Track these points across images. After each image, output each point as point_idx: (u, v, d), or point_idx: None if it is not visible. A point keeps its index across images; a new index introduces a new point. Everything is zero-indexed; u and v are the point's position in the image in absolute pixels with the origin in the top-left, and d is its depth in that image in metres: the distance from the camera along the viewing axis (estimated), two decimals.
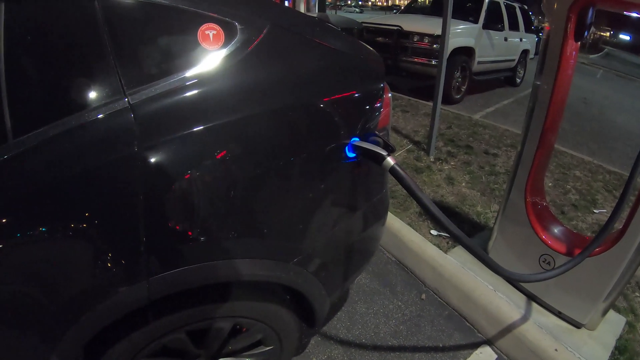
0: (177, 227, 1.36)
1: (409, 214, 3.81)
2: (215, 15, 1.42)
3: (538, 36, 13.11)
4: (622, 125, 9.76)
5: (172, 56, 1.36)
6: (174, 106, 1.32)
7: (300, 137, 1.63)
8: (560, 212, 4.22)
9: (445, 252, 3.28)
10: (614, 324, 2.74)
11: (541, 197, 2.83)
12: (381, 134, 1.91)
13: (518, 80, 12.32)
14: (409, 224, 3.62)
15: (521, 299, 2.84)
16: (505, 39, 10.36)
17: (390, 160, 1.67)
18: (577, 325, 2.63)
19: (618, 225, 2.30)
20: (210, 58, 1.40)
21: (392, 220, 3.62)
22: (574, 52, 2.34)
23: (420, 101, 8.12)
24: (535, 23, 13.69)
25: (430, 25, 8.10)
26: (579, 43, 2.33)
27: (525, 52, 12.06)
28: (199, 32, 1.38)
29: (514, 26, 10.87)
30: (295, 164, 1.60)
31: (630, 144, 7.82)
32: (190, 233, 1.39)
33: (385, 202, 2.25)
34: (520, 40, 11.45)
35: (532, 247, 2.75)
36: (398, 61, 8.51)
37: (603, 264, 2.38)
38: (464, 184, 4.59)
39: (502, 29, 10.04)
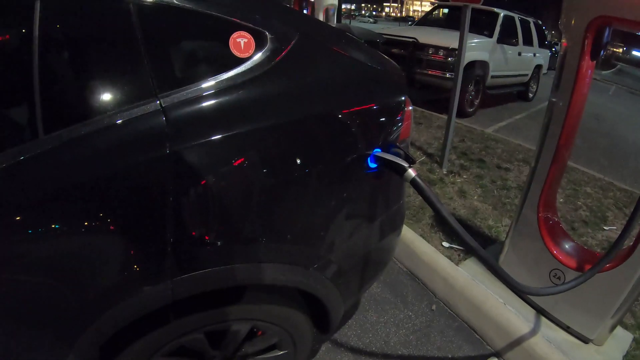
0: (203, 230, 1.39)
1: (421, 225, 3.85)
2: (247, 23, 1.45)
3: (551, 51, 13.02)
4: (634, 142, 9.71)
5: (204, 62, 1.41)
6: (204, 111, 1.35)
7: (324, 146, 1.66)
8: (570, 228, 4.23)
9: (457, 264, 3.30)
10: (621, 340, 2.75)
11: (553, 212, 2.84)
12: (402, 146, 1.94)
13: (531, 95, 12.26)
14: (422, 236, 3.66)
15: (530, 312, 2.86)
16: (519, 54, 10.35)
17: (411, 172, 1.71)
18: (585, 341, 2.64)
19: (628, 242, 2.31)
20: (240, 65, 1.44)
21: (405, 231, 3.65)
22: (589, 71, 2.35)
23: (434, 114, 8.14)
24: (549, 38, 13.63)
25: (445, 38, 8.15)
26: (595, 62, 2.35)
27: (538, 67, 11.99)
28: (231, 40, 1.41)
29: (527, 41, 10.85)
30: (318, 173, 1.63)
31: None
32: (215, 236, 1.42)
33: (402, 213, 2.27)
34: (534, 55, 11.41)
35: (543, 261, 2.76)
36: (413, 73, 8.50)
37: (612, 280, 2.39)
38: (476, 197, 4.61)
39: (516, 44, 10.02)
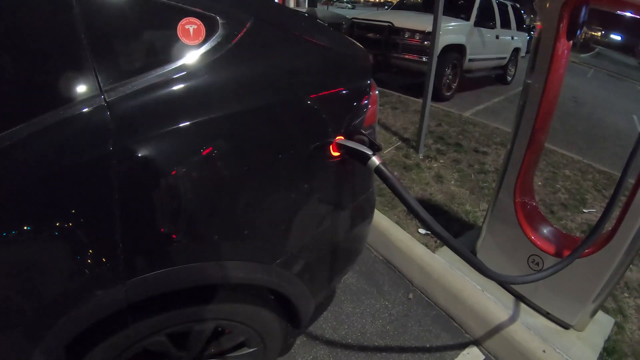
0: (154, 229, 1.32)
1: (396, 212, 3.76)
2: (196, 9, 1.36)
3: (529, 34, 13.12)
4: (612, 124, 9.80)
5: (151, 52, 1.31)
6: (152, 104, 1.27)
7: (284, 135, 1.58)
8: (549, 211, 4.20)
9: (433, 251, 3.24)
10: (602, 325, 2.72)
11: (530, 197, 2.79)
12: (367, 132, 1.86)
13: (509, 79, 12.32)
14: (397, 223, 3.57)
15: (509, 299, 2.81)
16: (497, 37, 10.34)
17: (375, 160, 1.61)
18: (566, 327, 2.60)
19: (608, 226, 2.25)
20: (191, 53, 1.35)
21: (380, 219, 3.57)
22: (565, 51, 2.29)
23: (411, 98, 8.07)
24: (527, 22, 13.70)
25: (421, 22, 8.04)
26: (571, 42, 2.29)
27: (516, 50, 12.03)
28: (179, 27, 1.32)
29: (505, 24, 10.86)
30: (278, 163, 1.56)
31: (619, 144, 7.85)
32: (167, 235, 1.35)
33: (372, 201, 2.20)
34: (512, 38, 11.45)
35: (521, 247, 2.72)
36: (388, 58, 8.44)
37: (592, 265, 2.34)
38: (452, 182, 4.54)
39: (493, 27, 10.02)
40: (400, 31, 8.25)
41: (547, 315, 2.68)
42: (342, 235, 2.04)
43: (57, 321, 1.24)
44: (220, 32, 1.41)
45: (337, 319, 2.78)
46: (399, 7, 11.12)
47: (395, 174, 1.61)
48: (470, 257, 1.84)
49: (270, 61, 1.56)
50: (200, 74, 1.36)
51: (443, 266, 3.05)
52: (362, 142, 1.73)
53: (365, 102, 1.85)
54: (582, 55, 35.83)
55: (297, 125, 1.63)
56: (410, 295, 3.06)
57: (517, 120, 2.58)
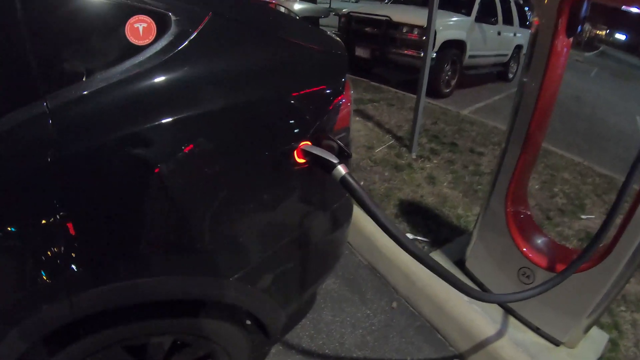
0: (99, 242, 1.23)
1: None
2: (145, 5, 1.23)
3: None
4: (614, 125, 9.66)
5: (97, 54, 1.19)
6: (99, 110, 1.17)
7: (242, 140, 1.45)
8: (546, 217, 4.04)
9: None
10: (595, 341, 2.57)
11: (523, 205, 2.65)
12: (340, 136, 1.73)
13: (510, 76, 12.16)
14: None
15: (497, 312, 2.66)
16: (499, 33, 10.19)
17: (340, 170, 1.46)
18: (556, 343, 2.46)
19: (606, 239, 2.09)
20: (141, 54, 1.24)
21: (365, 222, 3.39)
22: (565, 49, 2.14)
23: (408, 94, 7.88)
24: (530, 18, 13.54)
25: (420, 17, 7.75)
26: (571, 39, 2.14)
27: (518, 47, 11.87)
28: (127, 26, 1.20)
29: (507, 20, 10.70)
30: (236, 171, 1.45)
31: (621, 145, 7.70)
32: (113, 248, 1.26)
33: (348, 209, 2.07)
34: (514, 35, 11.29)
35: (511, 258, 2.57)
36: (386, 53, 8.31)
37: (589, 279, 2.19)
38: (445, 184, 4.38)
39: (495, 23, 9.87)
40: (398, 26, 8.13)
41: (537, 330, 2.54)
42: (313, 246, 1.90)
43: (8, 333, 1.19)
44: (173, 30, 1.28)
45: (315, 327, 2.65)
46: (398, 1, 10.94)
47: (362, 183, 1.46)
48: (450, 277, 1.70)
49: (229, 61, 1.43)
50: (151, 76, 1.24)
51: (428, 274, 2.78)
52: (331, 149, 1.59)
53: (338, 103, 1.71)
54: (586, 54, 35.66)
55: (258, 130, 1.50)
56: (394, 304, 2.92)
57: (511, 121, 2.42)
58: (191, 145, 1.31)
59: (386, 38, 8.25)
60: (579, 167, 5.49)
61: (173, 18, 1.28)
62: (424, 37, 7.49)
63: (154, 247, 1.34)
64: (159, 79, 1.25)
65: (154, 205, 1.28)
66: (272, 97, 1.51)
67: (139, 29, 1.22)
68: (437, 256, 3.12)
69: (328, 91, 1.69)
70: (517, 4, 11.31)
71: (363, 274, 3.17)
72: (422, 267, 2.82)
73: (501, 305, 2.69)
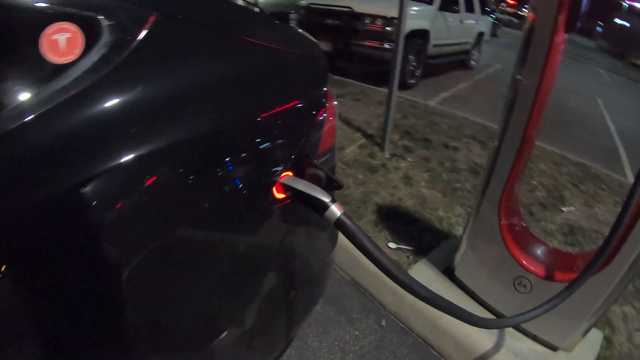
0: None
1: (363, 224, 3.37)
2: (65, 9, 0.87)
3: (493, 18, 13.11)
4: (577, 109, 9.75)
5: (9, 77, 0.82)
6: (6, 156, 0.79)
7: (203, 180, 1.07)
8: (528, 212, 3.91)
9: (407, 268, 2.89)
10: (591, 341, 2.51)
11: (517, 212, 2.49)
12: (324, 158, 1.48)
13: (473, 64, 12.16)
14: None
15: None
16: (461, 21, 10.12)
17: (335, 210, 1.21)
18: (554, 348, 2.37)
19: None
20: (63, 75, 0.86)
21: None
22: (562, 45, 2.00)
23: (373, 87, 7.68)
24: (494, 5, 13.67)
25: (383, 7, 7.67)
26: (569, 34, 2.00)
27: (480, 35, 11.89)
28: (42, 39, 0.83)
29: (469, 8, 10.66)
30: (202, 218, 1.09)
31: (587, 130, 7.73)
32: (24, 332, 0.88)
33: (334, 233, 1.85)
34: (476, 22, 11.26)
35: (507, 267, 2.41)
36: (348, 45, 8.06)
37: (590, 287, 2.07)
38: (423, 183, 4.19)
39: (457, 11, 9.78)
40: (360, 17, 7.88)
41: (534, 338, 2.43)
42: (298, 286, 1.66)
43: None
44: (105, 38, 0.92)
45: (302, 356, 2.43)
46: None
47: (358, 224, 1.24)
48: (450, 307, 1.54)
49: (184, 76, 1.07)
50: (78, 105, 0.87)
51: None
52: (317, 180, 1.33)
53: (321, 118, 1.43)
54: None
55: (223, 164, 1.12)
56: (383, 322, 2.71)
57: (503, 122, 2.23)
58: (132, 193, 0.93)
59: (348, 30, 8.01)
60: (552, 157, 5.45)
61: (105, 23, 0.91)
62: (387, 28, 7.42)
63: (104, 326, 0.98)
64: (94, 108, 0.89)
65: (82, 272, 0.90)
66: (240, 119, 1.17)
67: (59, 41, 0.86)
68: (424, 265, 2.94)
69: (307, 105, 1.40)
70: None
71: (347, 291, 2.94)
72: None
73: (497, 315, 2.57)
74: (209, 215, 1.10)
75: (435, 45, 9.05)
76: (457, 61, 11.42)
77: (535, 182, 4.57)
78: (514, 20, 45.82)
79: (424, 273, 2.86)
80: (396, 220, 3.46)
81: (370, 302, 2.86)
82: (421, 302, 2.48)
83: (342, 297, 2.88)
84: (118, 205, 0.88)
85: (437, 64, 9.63)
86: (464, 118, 6.47)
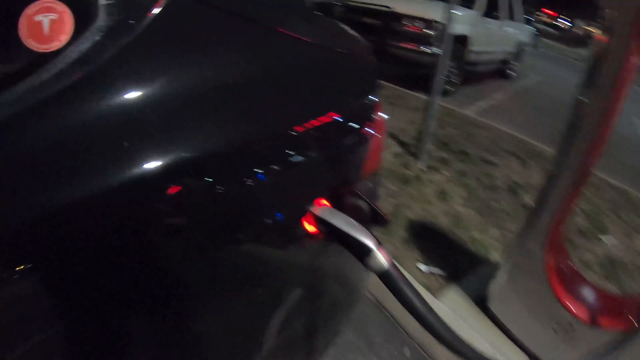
0: None
1: (393, 241, 3.19)
2: None
3: (534, 28, 12.84)
4: (618, 130, 9.28)
5: None
6: None
7: (219, 208, 0.86)
8: (566, 239, 3.65)
9: (435, 295, 2.70)
10: None
11: (564, 249, 2.34)
12: (367, 185, 1.25)
13: (512, 74, 11.86)
14: (393, 255, 2.96)
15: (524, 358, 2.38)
16: (502, 29, 9.84)
17: (380, 259, 0.96)
18: None
19: None
20: (47, 66, 0.67)
21: None
22: (635, 69, 1.83)
23: (410, 92, 7.49)
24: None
25: (423, 8, 7.47)
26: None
27: (521, 44, 11.62)
28: (22, 21, 0.65)
29: (511, 16, 10.36)
30: (211, 252, 0.88)
31: (624, 151, 7.34)
32: None
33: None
34: (517, 31, 10.99)
35: (548, 307, 2.24)
36: (386, 46, 7.79)
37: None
38: (458, 200, 3.99)
39: (499, 18, 9.48)
40: (399, 17, 7.65)
41: None
42: (323, 320, 1.47)
43: None
44: (100, 21, 0.71)
45: None
46: None
47: (405, 277, 1.01)
48: None
49: (203, 73, 0.84)
50: (65, 105, 0.68)
51: (445, 315, 2.53)
52: (358, 212, 1.10)
53: (366, 134, 1.18)
54: (583, 52, 35.40)
55: (241, 185, 0.88)
56: (407, 352, 2.51)
57: (562, 149, 2.04)
58: (139, 219, 0.76)
59: (386, 30, 7.77)
60: (592, 179, 5.11)
61: (102, 2, 0.71)
62: (427, 30, 7.19)
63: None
64: (80, 111, 0.69)
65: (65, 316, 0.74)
66: (267, 131, 0.93)
67: (43, 24, 0.67)
68: (454, 292, 2.77)
69: (351, 117, 1.15)
70: None
71: (370, 313, 2.74)
72: (438, 305, 2.58)
73: (527, 352, 2.40)
74: (217, 245, 0.89)
75: (475, 52, 8.77)
76: (496, 70, 11.15)
77: (574, 207, 4.31)
78: (552, 31, 44.95)
79: (454, 301, 2.70)
80: (427, 238, 3.28)
81: (394, 328, 2.66)
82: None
83: (364, 319, 2.68)
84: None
85: (475, 71, 9.38)
86: (502, 131, 6.26)
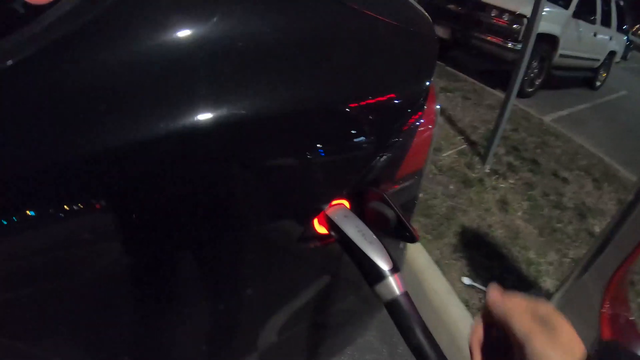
0: None
1: (440, 246, 2.95)
2: None
3: (628, 38, 12.06)
4: None
5: None
6: None
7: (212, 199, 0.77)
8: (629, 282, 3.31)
9: (474, 314, 2.45)
10: None
11: (625, 299, 2.01)
12: (402, 187, 1.08)
13: (598, 84, 11.15)
14: (437, 262, 2.76)
15: None
16: (595, 34, 9.24)
17: (392, 286, 0.78)
18: None
19: None
20: (38, 20, 0.61)
21: (417, 253, 2.77)
22: None
23: (486, 88, 7.11)
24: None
25: (515, 1, 7.02)
26: None
27: (611, 54, 10.90)
28: None
29: (605, 22, 9.71)
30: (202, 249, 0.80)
31: None
32: None
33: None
34: (610, 38, 10.30)
35: None
36: (468, 36, 7.49)
37: None
38: (520, 213, 3.69)
39: (593, 22, 8.93)
40: (486, 7, 7.28)
41: None
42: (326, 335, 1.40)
43: None
44: None
45: None
46: None
47: (418, 313, 0.84)
48: None
49: (257, 29, 0.75)
50: (55, 60, 0.61)
51: None
52: (381, 222, 0.91)
53: (413, 125, 1.01)
54: None
55: (251, 164, 0.78)
56: None
57: None
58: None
59: (470, 19, 7.43)
60: None
61: None
62: (514, 25, 6.79)
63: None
64: (73, 66, 0.61)
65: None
66: (300, 104, 0.81)
67: None
68: None
69: (399, 103, 0.98)
70: (617, 4, 10.31)
71: None
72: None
73: None
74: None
75: (563, 55, 8.28)
76: (582, 78, 10.54)
77: None
78: None
79: None
80: (479, 250, 3.04)
81: None
82: None
83: (390, 324, 2.46)
84: None
85: (560, 76, 8.88)
86: (580, 146, 5.85)
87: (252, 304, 0.98)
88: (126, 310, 0.77)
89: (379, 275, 0.78)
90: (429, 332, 0.77)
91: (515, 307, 0.60)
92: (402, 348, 2.31)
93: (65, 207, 0.62)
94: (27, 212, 0.59)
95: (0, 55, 0.56)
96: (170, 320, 0.87)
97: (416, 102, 1.00)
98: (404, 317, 0.78)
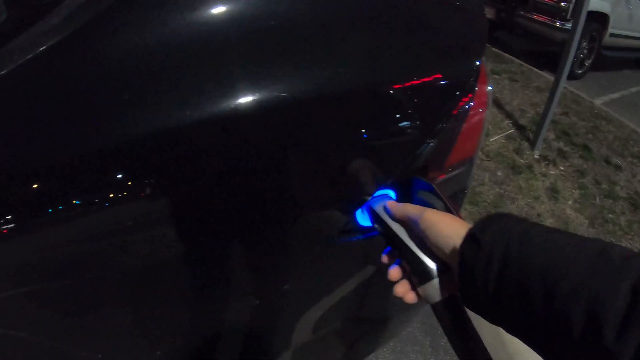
0: None
1: None
2: None
3: None
4: None
5: None
6: None
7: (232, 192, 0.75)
8: None
9: None
10: None
11: None
12: (452, 175, 1.05)
13: None
14: None
15: None
16: None
17: (435, 290, 0.71)
18: None
19: None
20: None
21: None
22: None
23: (534, 70, 6.89)
24: None
25: None
26: None
27: None
28: None
29: None
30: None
31: None
32: None
33: None
34: None
35: None
36: (514, 16, 7.27)
37: None
38: (570, 202, 3.61)
39: None
40: None
41: None
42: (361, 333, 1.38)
43: None
44: None
45: None
46: None
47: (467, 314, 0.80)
48: None
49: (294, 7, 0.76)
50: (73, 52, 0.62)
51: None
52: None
53: (463, 109, 0.96)
54: None
55: (292, 152, 0.77)
56: None
57: None
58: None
59: None
60: None
61: None
62: (562, 3, 6.57)
63: None
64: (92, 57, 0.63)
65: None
66: (339, 86, 0.79)
67: None
68: None
69: (448, 85, 0.94)
70: None
71: None
72: None
73: None
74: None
75: (614, 35, 7.99)
76: (634, 58, 10.00)
77: None
78: None
79: None
80: None
81: None
82: (525, 354, 2.17)
83: (432, 315, 2.44)
84: None
85: (611, 56, 8.52)
86: (633, 130, 5.63)
87: (292, 298, 0.97)
88: (161, 305, 0.78)
89: (426, 279, 0.73)
90: (477, 335, 0.72)
91: (408, 205, 0.73)
92: (445, 341, 2.24)
93: (111, 195, 0.62)
94: (74, 201, 0.60)
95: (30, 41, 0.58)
96: (207, 314, 0.87)
97: (465, 83, 0.96)
98: (451, 320, 0.73)
